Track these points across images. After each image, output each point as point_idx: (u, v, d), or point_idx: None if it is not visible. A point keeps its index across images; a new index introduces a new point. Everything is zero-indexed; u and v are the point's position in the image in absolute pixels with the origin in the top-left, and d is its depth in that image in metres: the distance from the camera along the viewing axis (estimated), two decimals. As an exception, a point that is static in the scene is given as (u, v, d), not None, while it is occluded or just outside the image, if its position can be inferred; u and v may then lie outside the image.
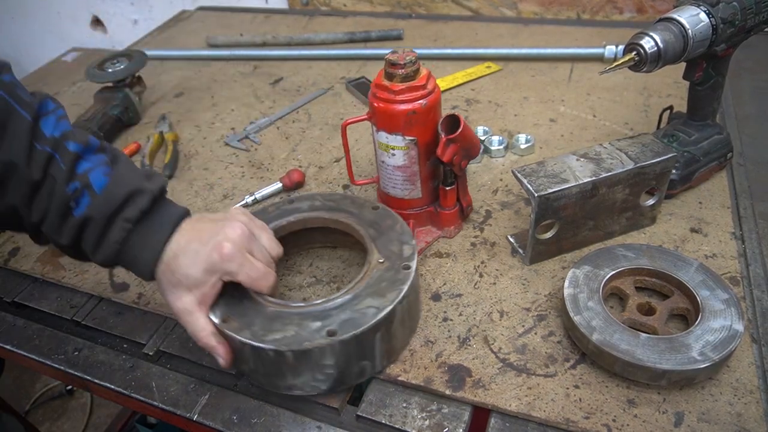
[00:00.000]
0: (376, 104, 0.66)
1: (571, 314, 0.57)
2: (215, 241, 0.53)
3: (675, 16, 0.62)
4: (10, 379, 1.88)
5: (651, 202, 0.69)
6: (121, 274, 0.74)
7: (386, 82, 0.65)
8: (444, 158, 0.64)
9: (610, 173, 0.63)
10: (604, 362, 0.55)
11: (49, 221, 0.52)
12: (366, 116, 0.69)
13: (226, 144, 0.99)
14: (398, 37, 1.27)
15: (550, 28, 1.25)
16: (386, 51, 1.20)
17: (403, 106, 0.64)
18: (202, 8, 1.60)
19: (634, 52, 0.62)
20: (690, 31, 0.62)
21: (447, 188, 0.70)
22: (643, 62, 0.62)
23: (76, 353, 0.68)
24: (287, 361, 0.52)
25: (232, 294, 0.56)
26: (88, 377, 0.65)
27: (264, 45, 1.31)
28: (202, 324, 0.54)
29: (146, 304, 0.70)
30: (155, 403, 0.61)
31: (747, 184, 0.77)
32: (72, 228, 0.52)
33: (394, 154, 0.68)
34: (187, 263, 0.53)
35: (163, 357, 0.66)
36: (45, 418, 1.82)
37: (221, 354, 0.55)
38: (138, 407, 0.64)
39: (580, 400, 0.54)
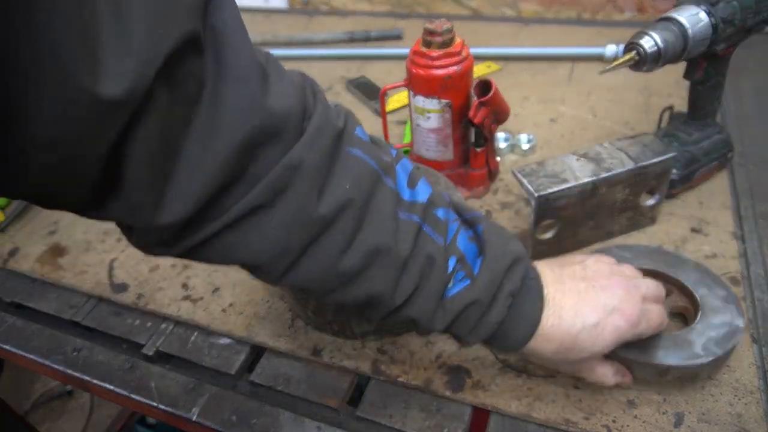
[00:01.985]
0: (414, 70, 0.71)
1: None
2: (613, 307, 0.46)
3: (675, 15, 0.62)
4: (9, 379, 1.88)
5: (651, 202, 0.69)
6: (121, 274, 0.74)
7: (424, 49, 0.70)
8: (476, 120, 0.70)
9: (610, 173, 0.63)
10: None
11: (419, 305, 0.43)
12: (404, 83, 0.74)
13: (226, 144, 0.99)
14: (398, 37, 1.27)
15: (550, 27, 1.25)
16: (386, 51, 1.21)
17: (439, 71, 0.69)
18: (201, 8, 1.60)
19: (634, 52, 0.62)
20: (690, 30, 0.62)
21: (477, 150, 0.76)
22: (643, 62, 0.62)
23: (75, 354, 0.68)
24: None
25: None
26: (87, 378, 0.65)
27: (264, 45, 1.31)
28: (604, 371, 0.50)
29: (146, 305, 0.70)
30: (154, 403, 0.61)
31: (748, 184, 0.77)
32: (451, 312, 0.43)
33: (429, 117, 0.73)
34: (581, 330, 0.45)
35: (162, 357, 0.66)
36: (44, 418, 1.82)
37: (627, 380, 0.52)
38: (137, 408, 0.64)
39: (580, 401, 0.54)
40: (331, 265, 0.40)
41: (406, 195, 0.43)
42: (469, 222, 0.47)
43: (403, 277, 0.42)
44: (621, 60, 0.63)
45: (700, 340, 0.53)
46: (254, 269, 0.42)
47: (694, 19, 0.62)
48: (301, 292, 0.52)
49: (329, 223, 0.39)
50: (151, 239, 0.37)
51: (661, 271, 0.61)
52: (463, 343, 0.47)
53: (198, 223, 0.36)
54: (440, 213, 0.45)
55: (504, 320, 0.45)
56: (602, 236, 0.69)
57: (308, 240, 0.39)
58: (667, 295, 0.60)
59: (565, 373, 0.53)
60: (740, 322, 0.54)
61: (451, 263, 0.43)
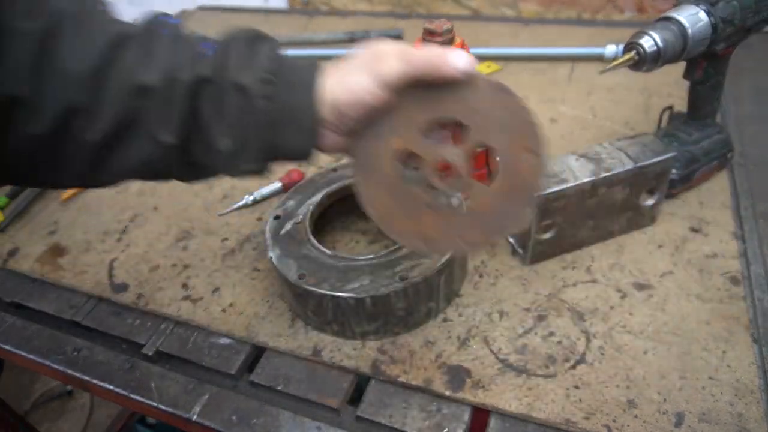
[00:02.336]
0: None
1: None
2: (371, 53, 0.44)
3: (674, 15, 0.62)
4: (9, 379, 1.88)
5: (651, 201, 0.69)
6: (121, 274, 0.74)
7: None
8: None
9: (609, 173, 0.63)
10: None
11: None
12: None
13: (226, 144, 0.99)
14: (398, 37, 1.27)
15: (550, 27, 1.25)
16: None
17: None
18: (202, 8, 1.60)
19: (634, 51, 0.62)
20: (689, 30, 0.62)
21: (478, 150, 0.74)
22: (642, 61, 0.62)
23: (76, 354, 0.68)
24: (366, 307, 0.57)
25: (306, 254, 0.61)
26: (88, 378, 0.65)
27: (264, 45, 1.31)
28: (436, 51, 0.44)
29: (145, 305, 0.70)
30: (154, 403, 0.61)
31: (748, 184, 0.77)
32: (216, 55, 0.42)
33: None
34: (353, 76, 0.43)
35: (162, 357, 0.66)
36: (45, 418, 1.82)
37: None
38: (137, 408, 0.64)
39: (580, 400, 0.54)
40: (73, 68, 0.39)
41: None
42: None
43: (149, 56, 0.42)
44: (620, 60, 0.63)
45: None
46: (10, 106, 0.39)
47: (693, 18, 0.62)
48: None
49: (47, 32, 0.39)
50: None
51: None
52: (249, 95, 0.42)
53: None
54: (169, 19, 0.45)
55: (275, 53, 0.44)
56: (602, 236, 0.69)
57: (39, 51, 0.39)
58: None
59: (370, 91, 0.44)
60: None
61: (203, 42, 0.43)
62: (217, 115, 0.43)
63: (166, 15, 0.45)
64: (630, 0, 1.27)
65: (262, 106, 0.43)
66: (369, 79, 0.43)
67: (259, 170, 0.46)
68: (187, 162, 0.45)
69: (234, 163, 0.45)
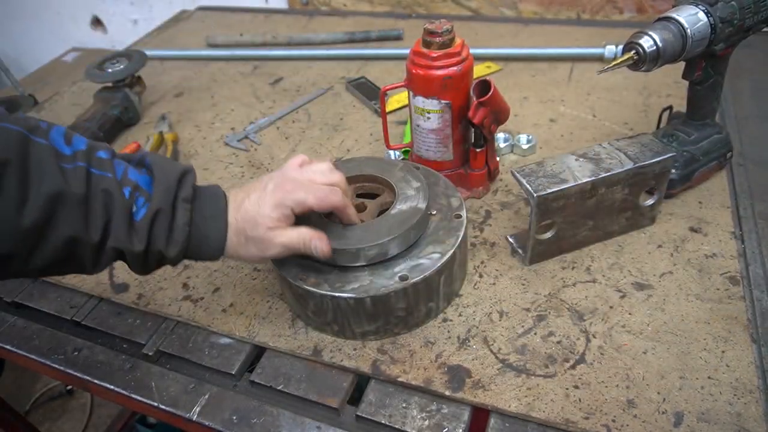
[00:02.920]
0: (414, 70, 0.71)
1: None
2: (274, 183, 0.55)
3: (674, 15, 0.62)
4: (10, 379, 1.88)
5: (650, 201, 0.69)
6: (121, 274, 0.75)
7: (424, 50, 0.70)
8: (475, 120, 0.70)
9: (609, 173, 0.63)
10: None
11: (115, 234, 0.49)
12: (404, 83, 0.74)
13: (226, 144, 0.99)
14: (398, 37, 1.27)
15: (550, 28, 1.25)
16: (386, 51, 1.21)
17: (439, 72, 0.69)
18: (201, 8, 1.60)
19: (633, 51, 0.62)
20: (689, 30, 0.62)
21: (477, 150, 0.76)
22: (642, 61, 0.62)
23: (76, 353, 0.68)
24: (366, 307, 0.57)
25: (303, 255, 0.61)
26: (88, 377, 0.65)
27: (264, 45, 1.31)
28: (294, 234, 0.55)
29: (146, 305, 0.70)
30: (155, 403, 0.61)
31: (747, 184, 0.77)
32: (142, 229, 0.50)
33: (429, 118, 0.73)
34: (255, 209, 0.54)
35: (162, 357, 0.66)
36: (45, 418, 1.82)
37: (324, 245, 0.56)
38: (138, 407, 0.64)
39: (579, 400, 0.54)
40: (12, 226, 0.44)
41: (65, 150, 0.48)
42: (137, 161, 0.53)
43: (89, 214, 0.48)
44: (620, 60, 0.63)
45: (388, 224, 0.60)
46: None
47: (693, 19, 0.62)
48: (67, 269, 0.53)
49: None
50: None
51: (376, 174, 0.67)
52: (172, 257, 0.52)
53: None
54: (102, 154, 0.50)
55: (192, 222, 0.52)
56: (602, 236, 0.70)
57: None
58: (380, 194, 0.68)
59: (273, 254, 0.56)
60: (422, 205, 0.61)
61: (127, 192, 0.49)
62: (141, 264, 0.53)
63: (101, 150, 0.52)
64: (630, 0, 1.27)
65: (183, 250, 0.53)
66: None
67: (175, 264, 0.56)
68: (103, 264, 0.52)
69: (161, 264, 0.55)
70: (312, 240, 0.55)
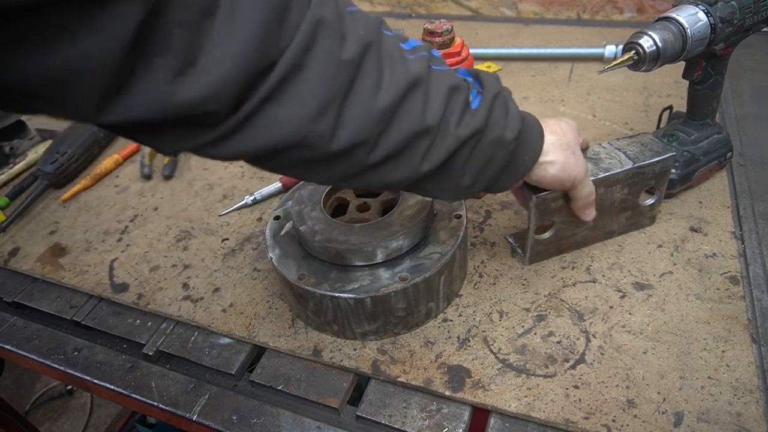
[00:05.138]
0: None
1: (298, 225, 0.62)
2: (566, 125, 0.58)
3: (674, 15, 0.62)
4: (10, 379, 1.88)
5: (650, 201, 0.69)
6: (122, 274, 0.75)
7: None
8: None
9: (608, 173, 0.63)
10: (329, 257, 0.60)
11: (456, 121, 0.47)
12: None
13: (226, 144, 0.99)
14: (398, 37, 1.27)
15: (550, 28, 1.25)
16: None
17: None
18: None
19: (633, 51, 0.62)
20: (689, 30, 0.62)
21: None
22: (642, 61, 0.62)
23: (76, 353, 0.68)
24: (366, 307, 0.57)
25: (303, 255, 0.62)
26: (88, 377, 0.65)
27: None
28: (591, 187, 0.59)
29: (146, 305, 0.70)
30: (155, 403, 0.61)
31: (747, 183, 0.77)
32: (483, 111, 0.48)
33: None
34: (574, 158, 0.56)
35: (162, 357, 0.66)
36: (45, 418, 1.82)
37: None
38: (138, 407, 0.64)
39: (579, 400, 0.54)
40: (370, 107, 0.42)
41: (405, 45, 0.47)
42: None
43: (431, 101, 0.45)
44: (620, 60, 0.63)
45: (399, 220, 0.61)
46: (299, 145, 0.42)
47: (693, 18, 0.62)
48: (350, 159, 0.47)
49: (357, 66, 0.41)
50: (195, 131, 0.39)
51: None
52: (506, 146, 0.50)
53: (238, 99, 0.38)
54: (435, 52, 0.50)
55: (522, 115, 0.52)
56: (601, 236, 0.70)
57: (344, 88, 0.41)
58: (380, 193, 0.68)
59: (578, 176, 0.58)
60: (428, 198, 0.61)
61: (464, 78, 0.49)
62: (470, 159, 0.50)
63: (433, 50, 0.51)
64: (630, 0, 1.27)
65: (505, 159, 0.51)
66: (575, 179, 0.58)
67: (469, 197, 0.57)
68: (417, 186, 0.51)
69: (457, 195, 0.53)
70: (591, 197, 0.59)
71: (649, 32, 0.62)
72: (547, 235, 0.66)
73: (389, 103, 0.43)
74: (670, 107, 0.81)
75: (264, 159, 0.43)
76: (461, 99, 0.47)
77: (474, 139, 0.48)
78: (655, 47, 0.61)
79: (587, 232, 0.68)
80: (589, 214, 0.63)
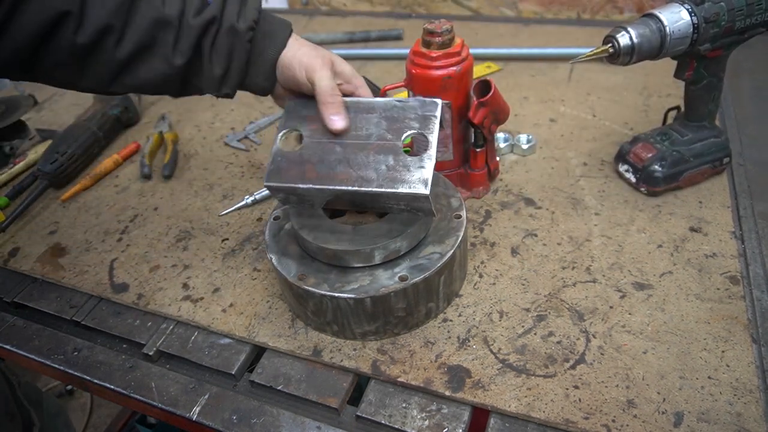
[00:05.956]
0: (414, 70, 0.70)
1: (297, 226, 0.61)
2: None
3: (656, 12, 0.63)
4: (10, 379, 1.88)
5: (415, 159, 0.56)
6: (121, 274, 0.75)
7: (424, 50, 0.70)
8: (475, 120, 0.70)
9: (360, 98, 0.60)
10: (327, 258, 0.60)
11: (189, 6, 0.55)
12: (404, 83, 0.74)
13: (226, 144, 0.99)
14: (398, 37, 1.27)
15: (550, 28, 1.25)
16: (386, 51, 1.21)
17: (439, 72, 0.69)
18: (201, 8, 1.60)
19: (609, 45, 0.64)
20: (668, 27, 0.62)
21: (477, 150, 0.76)
22: (617, 54, 0.64)
23: (76, 353, 0.68)
24: (365, 308, 0.57)
25: (303, 255, 0.62)
26: (88, 377, 0.65)
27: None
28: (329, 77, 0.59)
29: (146, 305, 0.70)
30: (155, 403, 0.61)
31: (747, 184, 0.77)
32: (218, 2, 0.56)
33: None
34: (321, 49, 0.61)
35: (162, 357, 0.66)
36: (45, 418, 1.81)
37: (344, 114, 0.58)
38: (138, 407, 0.64)
39: (579, 400, 0.54)
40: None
41: None
42: None
43: None
44: (594, 51, 0.64)
45: (397, 221, 0.60)
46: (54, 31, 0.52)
47: (674, 17, 0.62)
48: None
49: None
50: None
51: None
52: (239, 37, 0.57)
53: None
54: None
55: (265, 13, 0.59)
56: (356, 179, 0.57)
57: None
58: None
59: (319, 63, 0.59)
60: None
61: None
62: (213, 49, 0.57)
63: None
64: (630, 0, 1.27)
65: (245, 47, 0.58)
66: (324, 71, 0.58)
67: (232, 95, 0.62)
68: (183, 81, 0.59)
69: (217, 86, 0.59)
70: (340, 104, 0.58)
71: (628, 28, 0.63)
72: (292, 148, 0.60)
73: None
74: (678, 107, 0.81)
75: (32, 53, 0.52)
76: None
77: (213, 29, 0.56)
78: (630, 42, 0.62)
79: (340, 166, 0.58)
80: (336, 122, 0.57)
